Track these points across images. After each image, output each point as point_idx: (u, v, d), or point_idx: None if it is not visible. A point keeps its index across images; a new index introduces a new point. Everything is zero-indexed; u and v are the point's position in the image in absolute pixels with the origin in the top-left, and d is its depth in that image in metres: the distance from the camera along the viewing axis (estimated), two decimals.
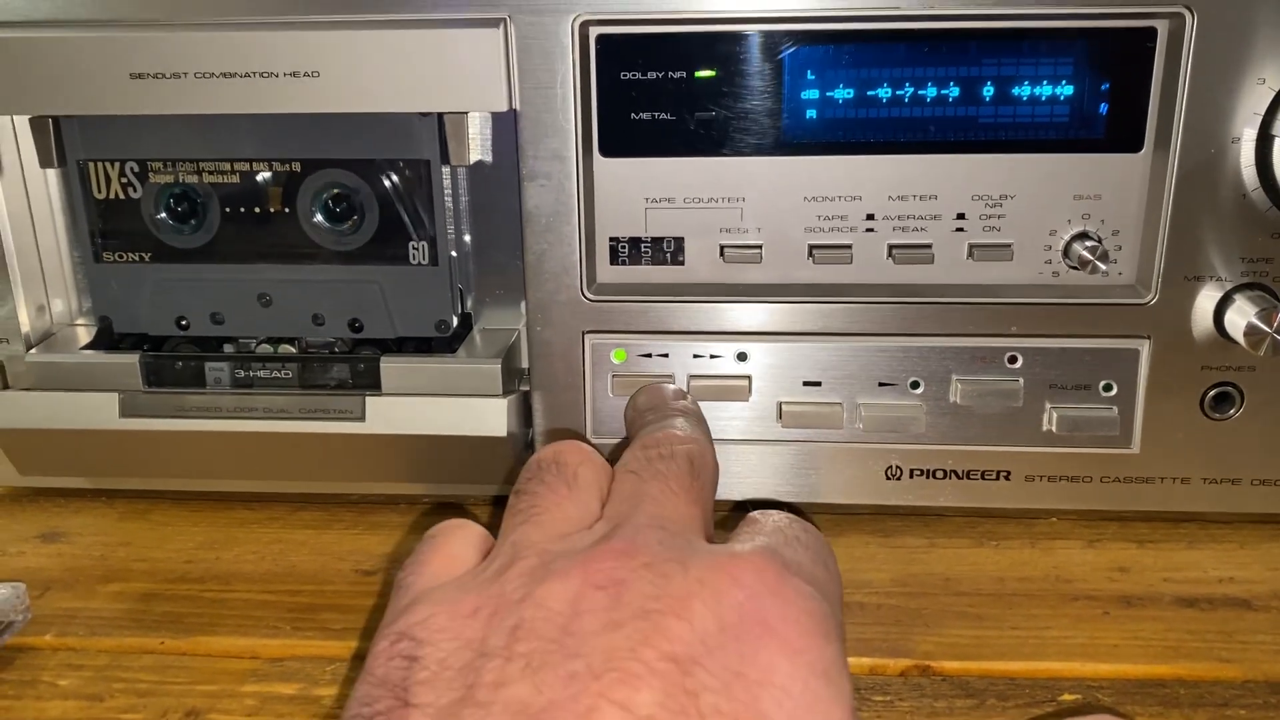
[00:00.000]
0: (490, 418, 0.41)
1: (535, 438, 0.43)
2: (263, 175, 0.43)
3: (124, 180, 0.43)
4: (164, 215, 0.43)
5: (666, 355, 0.42)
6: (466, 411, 0.41)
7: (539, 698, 0.23)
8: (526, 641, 0.25)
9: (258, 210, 0.43)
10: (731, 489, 0.43)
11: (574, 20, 0.38)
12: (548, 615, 0.25)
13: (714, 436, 0.42)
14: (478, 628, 0.26)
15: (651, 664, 0.24)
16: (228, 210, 0.43)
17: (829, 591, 0.28)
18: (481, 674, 0.24)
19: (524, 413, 0.43)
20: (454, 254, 0.43)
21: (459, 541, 0.31)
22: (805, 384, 0.42)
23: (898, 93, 0.39)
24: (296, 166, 0.42)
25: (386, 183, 0.42)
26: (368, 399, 0.41)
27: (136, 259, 0.44)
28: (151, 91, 0.39)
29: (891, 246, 0.41)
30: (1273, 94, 0.37)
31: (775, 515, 0.30)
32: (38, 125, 0.42)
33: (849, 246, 0.41)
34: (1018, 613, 0.38)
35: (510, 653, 0.25)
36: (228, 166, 0.43)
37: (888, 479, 0.43)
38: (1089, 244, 0.40)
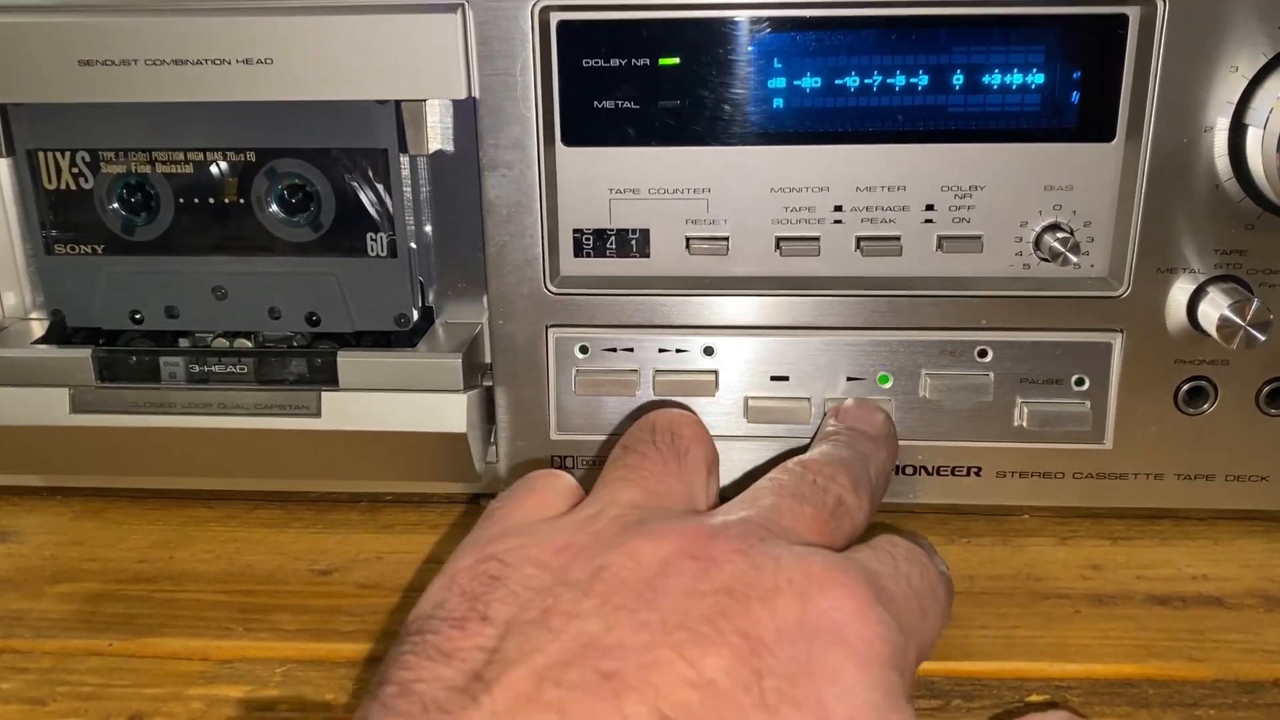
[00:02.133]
0: (450, 414, 0.40)
1: (498, 434, 0.42)
2: (217, 165, 0.42)
3: (75, 170, 0.42)
4: (116, 206, 0.42)
5: (631, 350, 0.41)
6: (426, 407, 0.40)
7: (608, 635, 0.24)
8: (608, 583, 0.26)
9: (212, 201, 0.42)
10: None
11: (534, 6, 0.37)
12: (634, 567, 0.26)
13: None
14: (565, 563, 0.27)
15: (725, 634, 0.24)
16: (181, 201, 0.42)
17: (914, 633, 0.28)
18: (559, 601, 0.25)
19: (486, 408, 0.42)
20: (414, 246, 0.42)
21: (553, 489, 0.32)
22: (773, 379, 0.41)
23: (866, 81, 0.39)
24: (252, 156, 0.41)
25: (344, 173, 0.41)
26: (324, 394, 0.40)
27: (89, 251, 0.43)
28: (101, 79, 0.38)
29: (860, 239, 0.40)
30: (1246, 82, 0.36)
31: (904, 545, 0.30)
32: None
33: (817, 239, 0.40)
34: (987, 611, 0.37)
35: (589, 589, 0.26)
36: (181, 156, 0.41)
37: None
38: (1060, 235, 0.39)
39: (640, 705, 0.23)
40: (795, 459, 0.34)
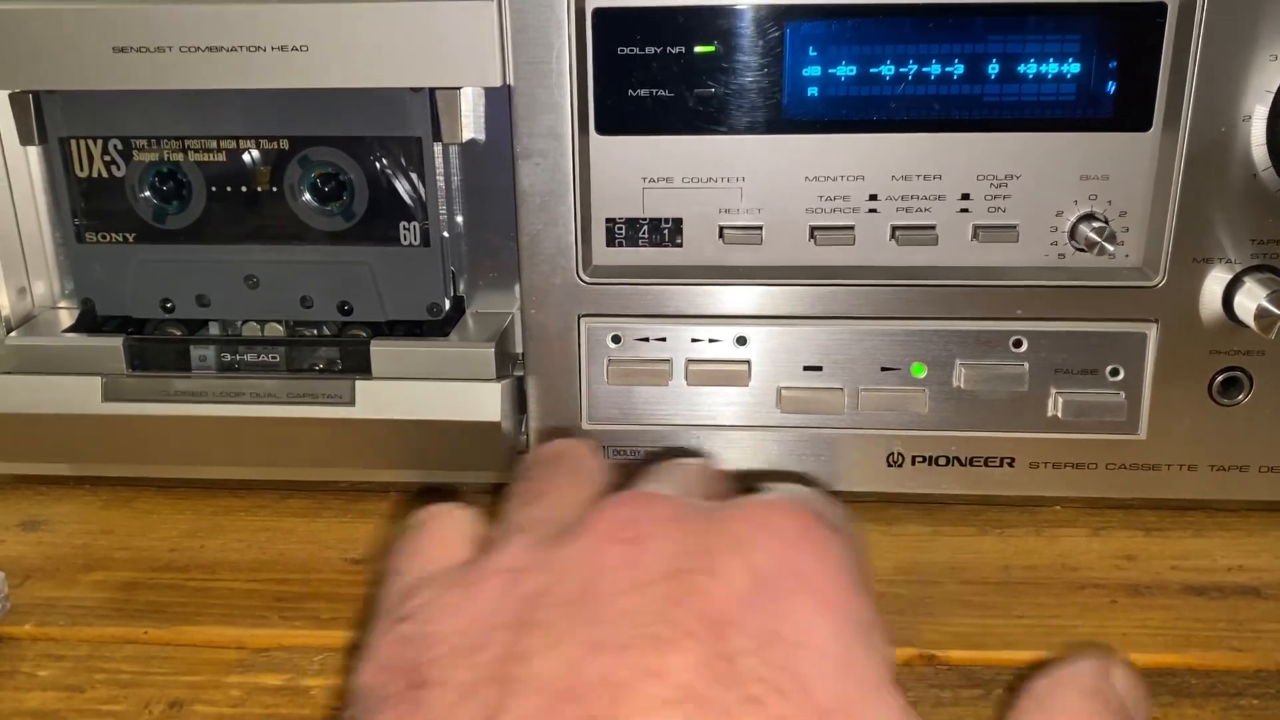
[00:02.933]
0: (483, 403, 0.40)
1: (529, 424, 0.42)
2: (250, 153, 0.42)
3: (107, 158, 0.42)
4: (148, 194, 0.42)
5: (664, 339, 0.41)
6: (459, 396, 0.40)
7: (563, 672, 0.22)
8: (545, 610, 0.23)
9: (244, 189, 0.42)
10: None
11: None
12: (565, 578, 0.24)
13: (713, 422, 0.42)
14: (489, 599, 0.24)
15: (682, 626, 0.22)
16: (214, 189, 0.42)
17: (857, 545, 0.26)
18: (500, 648, 0.23)
19: (518, 398, 0.42)
20: (446, 235, 0.42)
21: (452, 527, 0.29)
22: (806, 369, 0.41)
23: (901, 70, 0.39)
24: (284, 144, 0.41)
25: (377, 161, 0.41)
26: (357, 383, 0.40)
27: (120, 239, 0.43)
28: (135, 66, 0.38)
29: (895, 228, 0.40)
30: None
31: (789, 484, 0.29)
32: (17, 101, 0.40)
33: (851, 228, 0.40)
34: (1024, 601, 0.37)
35: (530, 623, 0.23)
36: (214, 144, 0.41)
37: (890, 466, 0.42)
38: (1096, 225, 0.39)
39: None
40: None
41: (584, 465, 0.30)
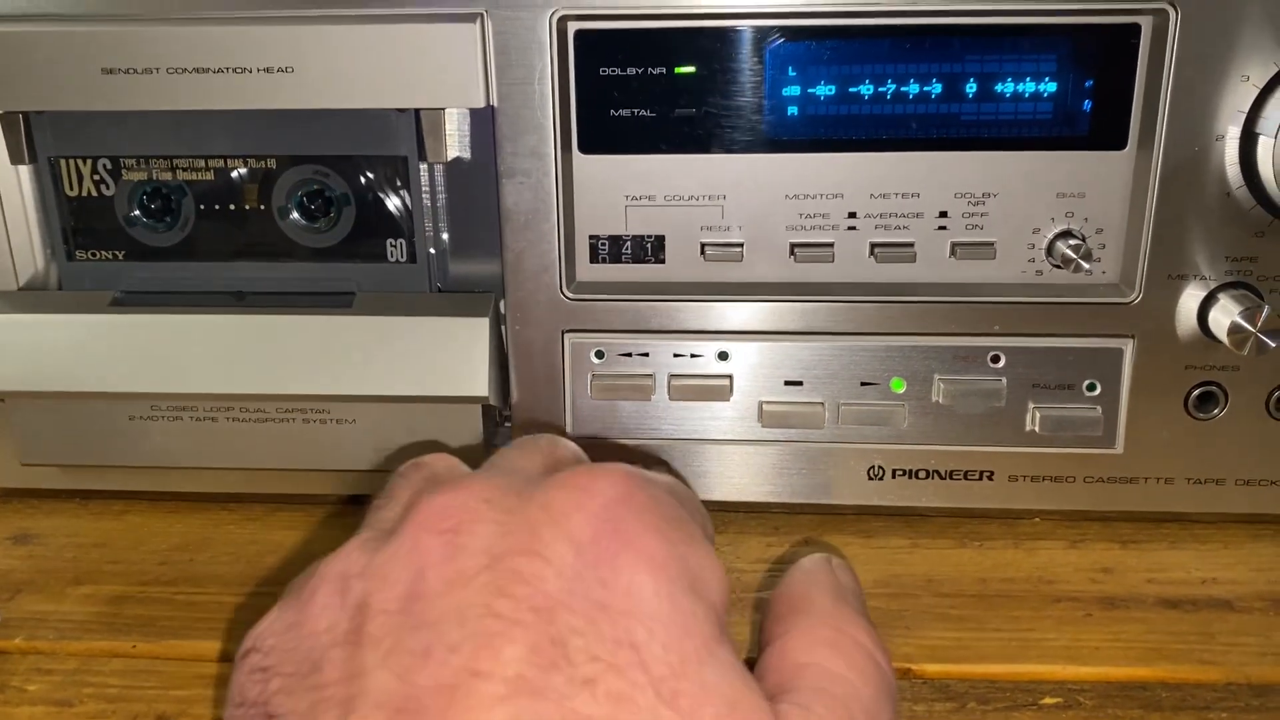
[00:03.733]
0: (475, 330, 0.40)
1: (514, 436, 0.43)
2: (237, 172, 0.42)
3: (96, 177, 0.42)
4: (138, 213, 0.43)
5: (647, 354, 0.42)
6: (452, 327, 0.41)
7: (398, 684, 0.21)
8: (373, 619, 0.23)
9: (233, 207, 0.42)
10: (712, 489, 0.43)
11: (552, 15, 0.37)
12: (388, 583, 0.23)
13: (695, 437, 0.42)
14: (321, 615, 0.23)
15: (509, 617, 0.22)
16: (202, 208, 0.42)
17: (689, 502, 0.26)
18: (337, 668, 0.22)
19: (503, 388, 0.42)
20: (432, 251, 0.43)
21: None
22: (787, 383, 0.42)
23: (880, 89, 0.39)
24: (272, 163, 0.42)
25: (363, 179, 0.42)
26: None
27: (110, 257, 0.43)
28: (123, 87, 0.38)
29: (874, 245, 0.41)
30: (1256, 91, 0.37)
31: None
32: (8, 121, 0.41)
33: (831, 245, 0.41)
34: (1000, 614, 0.38)
35: (360, 637, 0.22)
36: (202, 163, 0.42)
37: (870, 479, 0.42)
38: (1072, 242, 0.39)
39: None
40: None
41: (436, 464, 0.29)
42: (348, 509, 0.45)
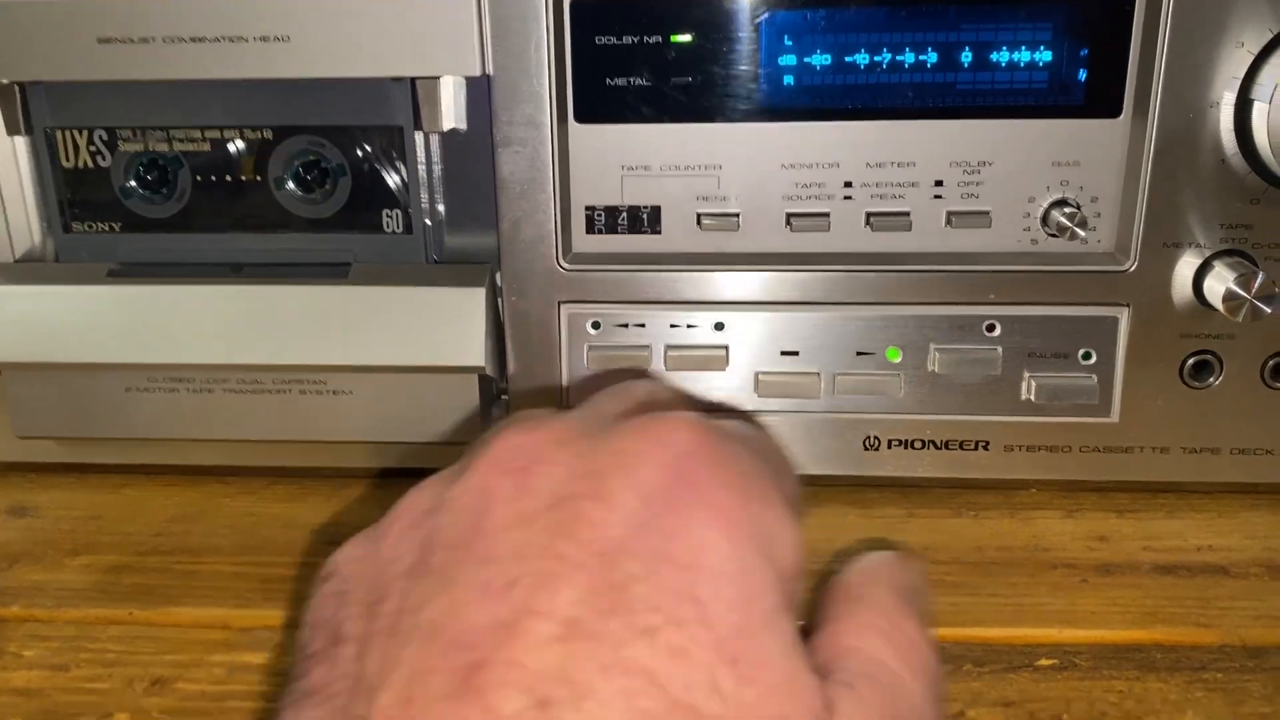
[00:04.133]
0: (471, 300, 0.40)
1: (511, 408, 0.43)
2: (234, 143, 0.42)
3: (93, 149, 0.42)
4: (134, 184, 0.43)
5: (643, 325, 0.42)
6: (448, 297, 0.41)
7: (454, 618, 0.21)
8: (439, 551, 0.23)
9: (229, 179, 0.42)
10: None
11: None
12: (456, 517, 0.23)
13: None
14: (393, 546, 0.24)
15: (570, 559, 0.22)
16: (198, 179, 0.42)
17: (772, 461, 0.26)
18: (403, 597, 0.23)
19: (499, 358, 0.42)
20: (428, 222, 0.43)
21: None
22: (783, 354, 0.42)
23: (876, 59, 0.39)
24: (269, 134, 0.42)
25: (360, 150, 0.42)
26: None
27: (107, 229, 0.43)
28: (119, 57, 0.38)
29: (869, 214, 0.41)
30: (1251, 58, 0.37)
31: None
32: (3, 92, 0.41)
33: (827, 214, 0.41)
34: (996, 581, 0.38)
35: (425, 568, 0.23)
36: (198, 134, 0.42)
37: (866, 449, 0.42)
38: (1068, 211, 0.39)
39: (511, 697, 0.20)
40: None
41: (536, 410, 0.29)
42: (349, 481, 0.45)
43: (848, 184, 0.40)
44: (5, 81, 0.40)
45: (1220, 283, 0.38)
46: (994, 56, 0.39)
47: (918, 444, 0.42)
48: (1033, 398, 0.41)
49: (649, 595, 0.21)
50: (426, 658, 0.21)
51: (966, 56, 0.39)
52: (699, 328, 0.42)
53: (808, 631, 0.26)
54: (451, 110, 0.41)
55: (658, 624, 0.21)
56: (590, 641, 0.21)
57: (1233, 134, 0.38)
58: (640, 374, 0.38)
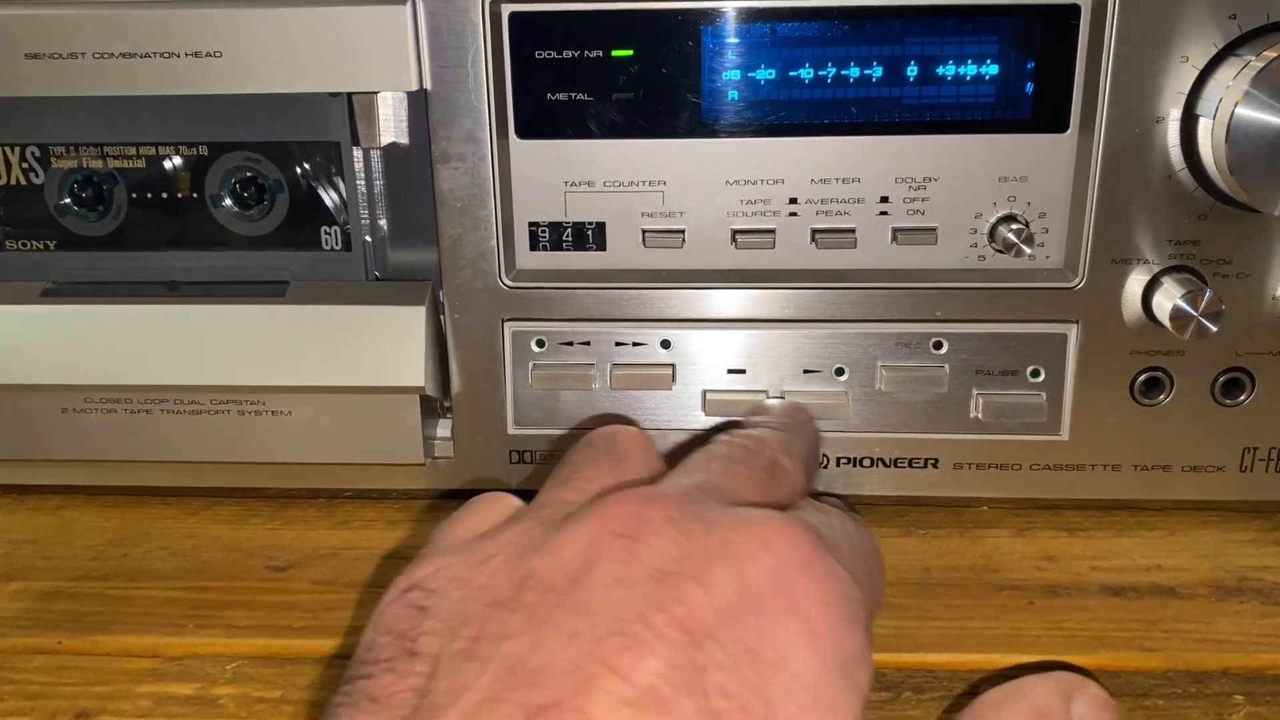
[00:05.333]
0: (410, 319, 0.40)
1: (455, 428, 0.42)
2: (169, 160, 0.41)
3: (25, 165, 0.42)
4: (68, 201, 0.42)
5: (588, 343, 0.41)
6: (387, 316, 0.40)
7: (536, 656, 0.22)
8: (534, 592, 0.24)
9: (165, 196, 0.42)
10: None
11: None
12: (558, 564, 0.24)
13: (638, 426, 0.42)
14: (489, 577, 0.25)
15: (660, 630, 0.22)
16: (134, 196, 0.42)
17: (864, 584, 0.26)
18: (486, 625, 0.23)
19: (442, 378, 0.41)
20: (368, 239, 0.42)
21: (493, 507, 0.30)
22: (730, 371, 0.41)
23: (820, 73, 0.39)
24: (204, 150, 0.41)
25: (297, 166, 0.41)
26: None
27: (41, 247, 0.42)
28: (49, 72, 0.37)
29: (815, 231, 0.40)
30: (1196, 73, 0.36)
31: (834, 503, 0.29)
32: None
33: (772, 231, 0.40)
34: (941, 603, 0.37)
35: (516, 603, 0.24)
36: (133, 151, 0.41)
37: None
38: (1015, 227, 0.39)
39: None
40: (720, 435, 0.33)
41: (629, 452, 0.32)
42: (292, 502, 0.44)
43: (793, 200, 0.40)
44: None
45: (1168, 299, 0.38)
46: (939, 70, 0.38)
47: (866, 462, 0.42)
48: (981, 415, 0.40)
49: (725, 683, 0.22)
50: (498, 688, 0.22)
51: (912, 71, 0.38)
52: (645, 345, 0.41)
53: None
54: (391, 125, 0.40)
55: (726, 710, 0.22)
56: (659, 713, 0.21)
57: (1179, 149, 0.37)
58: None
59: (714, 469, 0.30)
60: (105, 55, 0.37)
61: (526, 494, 0.31)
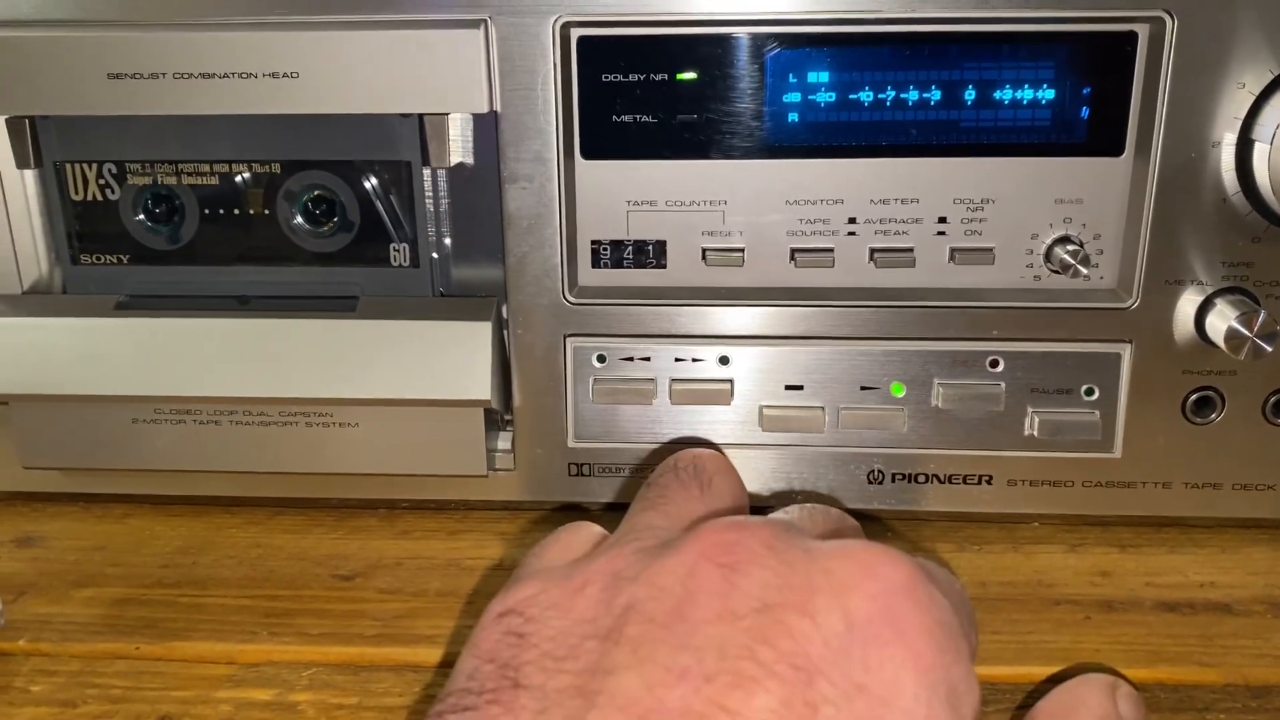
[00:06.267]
0: (477, 333, 0.41)
1: (516, 441, 0.43)
2: (242, 177, 0.42)
3: (101, 182, 0.43)
4: (142, 217, 0.43)
5: (648, 359, 0.42)
6: (454, 331, 0.41)
7: (647, 696, 0.22)
8: (636, 624, 0.23)
9: (237, 212, 0.43)
10: None
11: (555, 21, 0.38)
12: (659, 594, 0.24)
13: (696, 441, 0.42)
14: (588, 606, 0.25)
15: (770, 667, 0.22)
16: (206, 212, 0.43)
17: (963, 616, 0.26)
18: (589, 658, 0.23)
19: (504, 391, 0.42)
20: (435, 256, 0.43)
21: (580, 534, 0.30)
22: (787, 388, 0.42)
23: (879, 96, 0.39)
24: (276, 168, 0.42)
25: (367, 184, 0.42)
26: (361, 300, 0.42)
27: (114, 261, 0.43)
28: (129, 92, 0.38)
29: (873, 250, 0.41)
30: (1252, 99, 0.37)
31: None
32: (14, 126, 0.41)
33: (831, 250, 0.41)
34: (999, 617, 0.38)
35: (618, 636, 0.23)
36: (207, 168, 0.42)
37: (870, 483, 0.43)
38: (1070, 248, 0.40)
39: None
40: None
41: (715, 477, 0.32)
42: (356, 512, 0.45)
43: (851, 220, 0.41)
44: (16, 115, 0.41)
45: (1222, 320, 0.38)
46: (997, 94, 0.39)
47: (921, 478, 0.42)
48: (1035, 433, 0.41)
49: (836, 718, 0.22)
50: None
51: (970, 94, 0.39)
52: (704, 361, 0.42)
53: None
54: (459, 145, 0.41)
55: None
56: None
57: (1234, 173, 0.38)
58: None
59: (792, 513, 0.30)
60: (185, 75, 0.38)
61: (582, 508, 0.31)
